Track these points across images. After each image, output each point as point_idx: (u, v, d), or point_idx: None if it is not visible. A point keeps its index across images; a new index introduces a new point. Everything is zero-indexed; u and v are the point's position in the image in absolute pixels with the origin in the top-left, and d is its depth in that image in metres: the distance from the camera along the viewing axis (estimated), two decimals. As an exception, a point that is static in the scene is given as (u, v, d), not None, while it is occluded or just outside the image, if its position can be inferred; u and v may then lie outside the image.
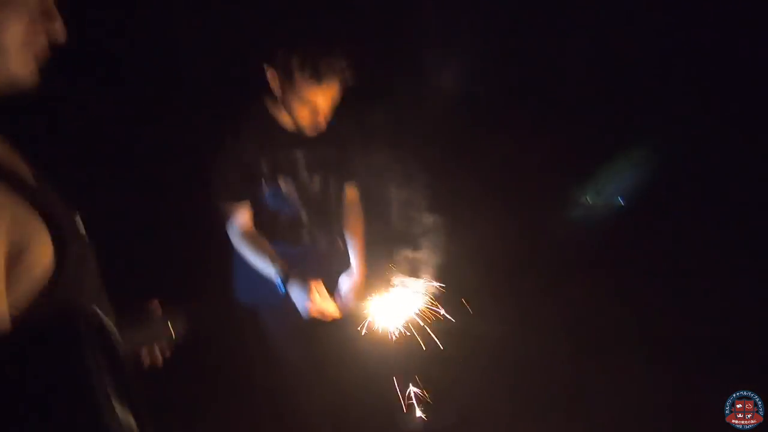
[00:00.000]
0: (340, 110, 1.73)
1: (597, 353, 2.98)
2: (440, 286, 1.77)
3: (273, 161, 1.75)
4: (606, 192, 3.74)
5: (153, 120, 2.87)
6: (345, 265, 1.92)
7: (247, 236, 1.78)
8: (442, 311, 1.75)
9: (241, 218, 1.78)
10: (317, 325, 1.79)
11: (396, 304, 1.74)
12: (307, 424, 2.39)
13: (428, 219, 1.94)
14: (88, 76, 2.75)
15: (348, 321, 1.81)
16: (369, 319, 1.74)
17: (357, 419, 2.65)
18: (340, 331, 2.08)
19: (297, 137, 1.76)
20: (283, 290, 1.69)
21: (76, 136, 2.80)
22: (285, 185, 1.80)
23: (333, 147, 1.86)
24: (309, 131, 1.72)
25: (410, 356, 2.14)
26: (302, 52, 1.53)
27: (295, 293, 1.66)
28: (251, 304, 2.04)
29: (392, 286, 1.75)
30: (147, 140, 2.95)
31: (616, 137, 3.58)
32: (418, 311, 1.74)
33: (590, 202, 3.70)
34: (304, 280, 1.66)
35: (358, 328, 1.77)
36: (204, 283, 2.74)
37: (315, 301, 1.63)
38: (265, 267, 1.74)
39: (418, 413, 2.46)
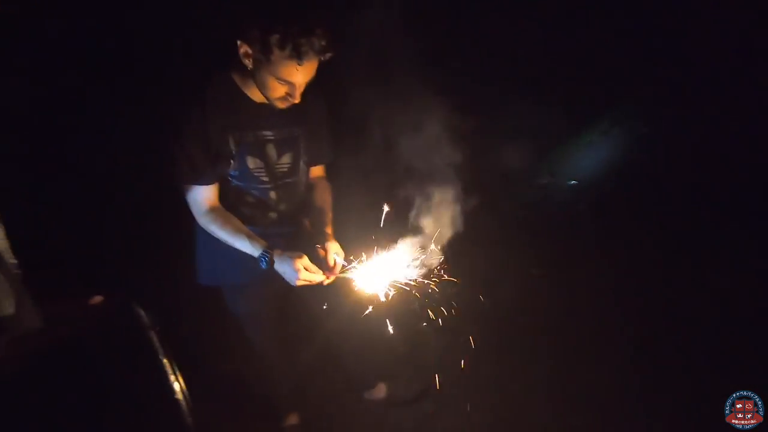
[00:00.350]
0: (311, 87, 1.71)
1: (593, 351, 2.99)
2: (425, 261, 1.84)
3: (240, 138, 1.71)
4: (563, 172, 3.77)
5: (108, 97, 2.76)
6: (312, 242, 1.90)
7: (219, 216, 1.76)
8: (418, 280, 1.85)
9: (209, 198, 1.75)
10: (285, 301, 1.91)
11: (375, 274, 1.79)
12: (275, 397, 2.41)
13: (404, 193, 1.99)
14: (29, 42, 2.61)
15: (322, 292, 1.87)
16: (353, 285, 1.80)
17: (323, 392, 2.69)
18: (309, 306, 2.16)
19: (266, 114, 1.74)
20: (266, 266, 1.71)
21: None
22: (253, 163, 1.77)
23: (301, 124, 1.85)
24: (279, 106, 1.69)
25: (378, 329, 2.20)
26: (284, 30, 1.48)
27: (282, 267, 1.69)
28: (215, 286, 2.02)
29: (371, 256, 1.81)
30: (100, 123, 2.80)
31: (575, 115, 3.60)
32: (394, 282, 1.80)
33: (549, 182, 3.70)
34: (289, 254, 1.69)
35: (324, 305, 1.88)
36: (162, 267, 2.75)
37: (301, 273, 1.67)
38: (244, 245, 1.74)
39: (383, 385, 2.57)
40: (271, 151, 1.78)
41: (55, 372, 0.69)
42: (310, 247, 1.85)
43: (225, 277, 1.94)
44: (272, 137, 1.77)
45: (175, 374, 0.74)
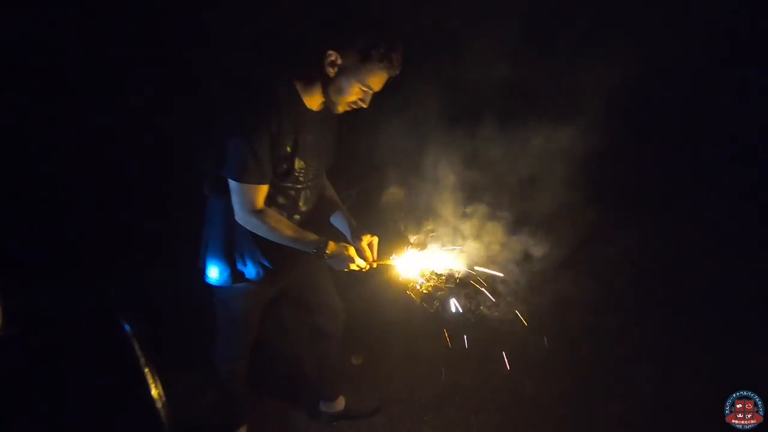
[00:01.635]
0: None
1: (586, 352, 3.00)
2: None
3: (297, 141, 1.83)
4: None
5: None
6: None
7: (272, 214, 1.87)
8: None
9: (263, 198, 1.85)
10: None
11: (412, 264, 2.02)
12: (229, 405, 2.41)
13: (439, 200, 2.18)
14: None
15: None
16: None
17: (280, 402, 2.69)
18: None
19: (312, 119, 1.86)
20: (321, 256, 1.89)
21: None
22: (298, 164, 1.88)
23: (330, 130, 1.98)
24: (340, 111, 1.85)
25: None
26: (387, 44, 1.68)
27: (336, 256, 1.91)
28: (217, 285, 2.05)
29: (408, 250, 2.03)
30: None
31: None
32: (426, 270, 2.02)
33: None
34: (342, 245, 1.92)
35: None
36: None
37: (356, 259, 1.92)
38: (298, 239, 1.88)
39: (342, 399, 2.59)
40: (309, 154, 1.91)
41: (27, 379, 0.70)
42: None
43: (242, 272, 1.99)
44: (311, 141, 1.89)
45: (155, 384, 0.76)
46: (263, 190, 1.81)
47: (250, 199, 1.79)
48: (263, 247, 1.93)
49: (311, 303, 2.30)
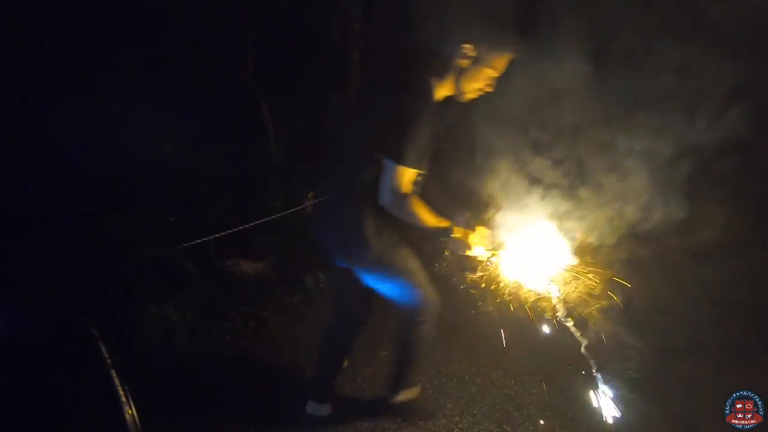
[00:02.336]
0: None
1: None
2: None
3: (433, 136, 1.99)
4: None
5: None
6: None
7: (415, 197, 1.99)
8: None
9: (411, 183, 1.97)
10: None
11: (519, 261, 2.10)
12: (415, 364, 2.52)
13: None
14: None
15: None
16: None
17: (269, 405, 2.68)
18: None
19: (440, 112, 2.03)
20: (448, 238, 2.03)
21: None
22: (428, 156, 2.02)
23: (442, 121, 2.12)
24: (468, 98, 2.04)
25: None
26: (515, 29, 1.86)
27: (455, 243, 2.04)
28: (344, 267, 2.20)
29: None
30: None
31: None
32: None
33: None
34: (464, 233, 2.05)
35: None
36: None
37: (471, 248, 2.05)
38: (433, 222, 2.00)
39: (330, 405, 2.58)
40: (432, 142, 2.04)
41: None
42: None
43: (399, 243, 2.17)
44: (436, 131, 2.02)
45: (123, 388, 0.71)
46: (414, 174, 1.95)
47: (403, 182, 1.92)
48: (391, 223, 2.08)
49: (364, 295, 2.33)
